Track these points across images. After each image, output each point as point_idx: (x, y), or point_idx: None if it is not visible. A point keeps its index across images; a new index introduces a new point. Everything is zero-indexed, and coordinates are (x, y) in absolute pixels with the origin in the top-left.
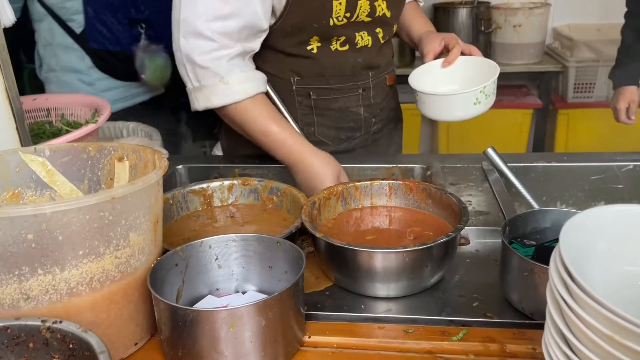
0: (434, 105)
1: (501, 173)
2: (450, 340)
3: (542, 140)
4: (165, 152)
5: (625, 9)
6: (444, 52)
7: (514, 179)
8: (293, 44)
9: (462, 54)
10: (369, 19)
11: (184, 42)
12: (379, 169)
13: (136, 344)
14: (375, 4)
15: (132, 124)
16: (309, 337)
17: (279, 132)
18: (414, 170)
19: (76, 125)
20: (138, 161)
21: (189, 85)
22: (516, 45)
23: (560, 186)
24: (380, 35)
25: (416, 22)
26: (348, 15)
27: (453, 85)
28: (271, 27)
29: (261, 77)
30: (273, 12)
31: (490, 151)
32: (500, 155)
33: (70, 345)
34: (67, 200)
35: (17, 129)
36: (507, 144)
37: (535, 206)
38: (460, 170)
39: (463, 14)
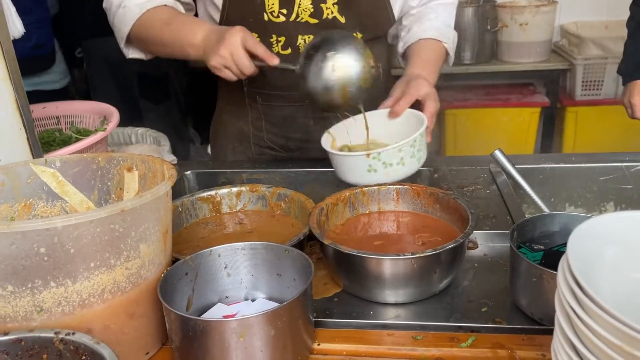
0: (333, 162)
1: (509, 175)
2: (460, 347)
3: (549, 138)
4: (174, 158)
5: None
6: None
7: (522, 182)
8: None
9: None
10: (315, 20)
11: None
12: None
13: (147, 353)
14: (322, 5)
15: (140, 130)
16: (318, 345)
17: (184, 16)
18: (420, 173)
19: (86, 133)
20: (147, 171)
21: (116, 35)
22: (523, 43)
23: (568, 187)
24: None
25: (412, 60)
26: (284, 12)
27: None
28: (220, 22)
29: None
30: (215, 5)
31: (497, 153)
32: (507, 157)
33: (83, 357)
34: (77, 213)
35: (27, 139)
36: (515, 143)
37: (544, 208)
38: (467, 173)
39: (469, 13)
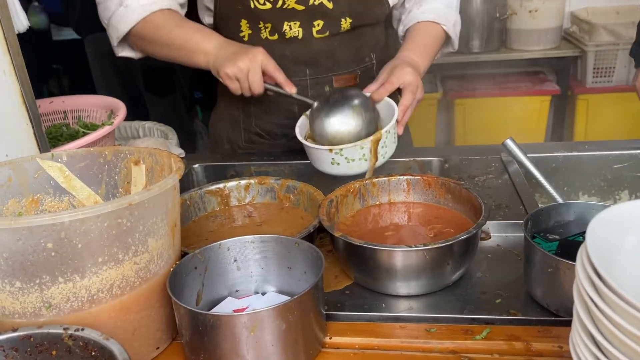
0: (307, 152)
1: (521, 164)
2: (474, 339)
3: (561, 127)
4: (181, 151)
5: None
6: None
7: (535, 171)
8: (229, 29)
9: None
10: (301, 7)
11: None
12: (395, 162)
13: (158, 348)
14: None
15: (148, 124)
16: (330, 338)
17: (195, 24)
18: (431, 163)
19: (93, 127)
20: (154, 164)
21: (109, 32)
22: (532, 30)
23: (582, 176)
24: (315, 29)
25: (406, 43)
26: None
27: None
28: (214, 10)
29: (166, 2)
30: None
31: (509, 142)
32: (519, 146)
33: (93, 353)
34: (84, 208)
35: (34, 134)
36: (525, 132)
37: (558, 198)
38: (478, 163)
39: (477, 0)
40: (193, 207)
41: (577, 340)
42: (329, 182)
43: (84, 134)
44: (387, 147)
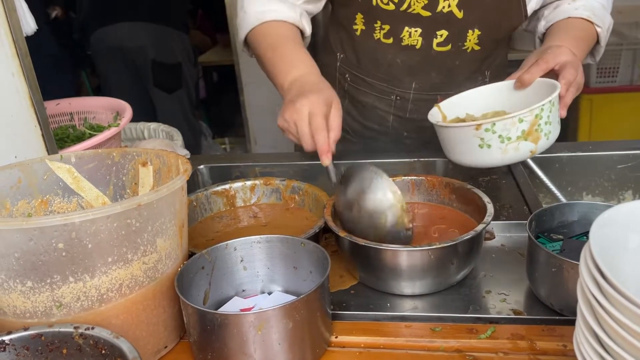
0: (440, 138)
1: (525, 165)
2: (479, 338)
3: (564, 127)
4: (187, 152)
5: None
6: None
7: (539, 171)
8: (343, 17)
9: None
10: (428, 13)
11: None
12: (399, 163)
13: (166, 346)
14: None
15: (153, 125)
16: (336, 337)
17: (290, 48)
18: (435, 163)
19: (99, 129)
20: (162, 165)
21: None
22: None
23: (586, 176)
24: (436, 40)
25: (555, 35)
26: (396, 0)
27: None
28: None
29: (285, 9)
30: None
31: None
32: None
33: (103, 351)
34: (95, 208)
35: (42, 135)
36: None
37: (561, 198)
38: None
39: None
40: (199, 207)
41: (581, 339)
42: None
43: (91, 136)
44: (552, 125)
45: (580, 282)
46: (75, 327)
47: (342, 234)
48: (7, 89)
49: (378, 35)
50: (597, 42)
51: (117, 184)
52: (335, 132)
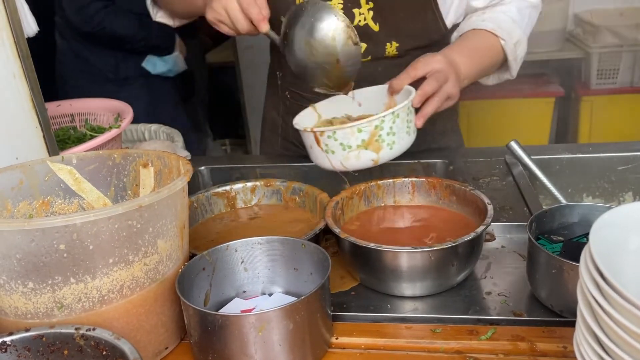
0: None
1: (525, 166)
2: (479, 340)
3: (565, 129)
4: (187, 154)
5: None
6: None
7: (539, 173)
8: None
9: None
10: None
11: None
12: (400, 165)
13: (167, 348)
14: (355, 10)
15: (154, 126)
16: (337, 339)
17: None
18: (435, 165)
19: (100, 130)
20: (163, 167)
21: None
22: (536, 33)
23: (586, 178)
24: None
25: (450, 45)
26: None
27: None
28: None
29: None
30: None
31: (513, 144)
32: (523, 148)
33: (104, 352)
34: (96, 210)
35: (43, 136)
36: (529, 134)
37: (562, 200)
38: (483, 165)
39: None
40: (200, 209)
41: (581, 340)
42: (333, 184)
43: (92, 137)
44: (396, 136)
45: (580, 283)
46: (76, 328)
47: (342, 235)
48: (8, 91)
49: None
50: (506, 57)
51: (118, 186)
52: (265, 8)
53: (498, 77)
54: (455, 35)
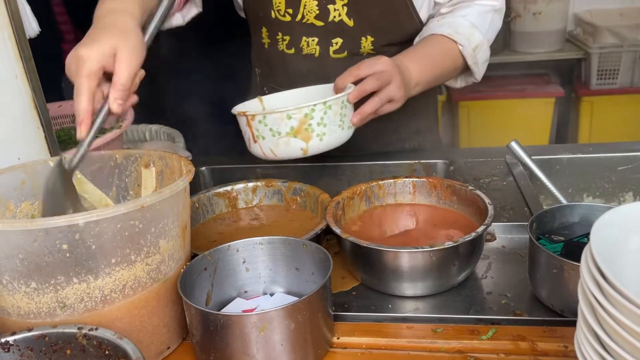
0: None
1: (525, 166)
2: (480, 339)
3: (565, 129)
4: (188, 154)
5: None
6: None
7: (539, 173)
8: (253, 32)
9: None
10: (321, 23)
11: None
12: (400, 165)
13: (169, 347)
14: (330, 6)
15: (154, 127)
16: (338, 339)
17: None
18: (436, 165)
19: (101, 131)
20: (164, 167)
21: None
22: (536, 33)
23: (586, 178)
24: (332, 48)
25: (405, 51)
26: (290, 11)
27: None
28: (244, 10)
29: None
30: None
31: (514, 145)
32: (524, 148)
33: (107, 352)
34: (98, 210)
35: (45, 137)
36: (530, 134)
37: (562, 200)
38: (483, 165)
39: None
40: (201, 209)
41: (582, 339)
42: (334, 184)
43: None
44: (327, 128)
45: (581, 283)
46: (79, 328)
47: (344, 235)
48: (10, 92)
49: (282, 46)
50: (465, 61)
51: (120, 186)
52: (117, 88)
53: (465, 80)
54: (416, 40)
